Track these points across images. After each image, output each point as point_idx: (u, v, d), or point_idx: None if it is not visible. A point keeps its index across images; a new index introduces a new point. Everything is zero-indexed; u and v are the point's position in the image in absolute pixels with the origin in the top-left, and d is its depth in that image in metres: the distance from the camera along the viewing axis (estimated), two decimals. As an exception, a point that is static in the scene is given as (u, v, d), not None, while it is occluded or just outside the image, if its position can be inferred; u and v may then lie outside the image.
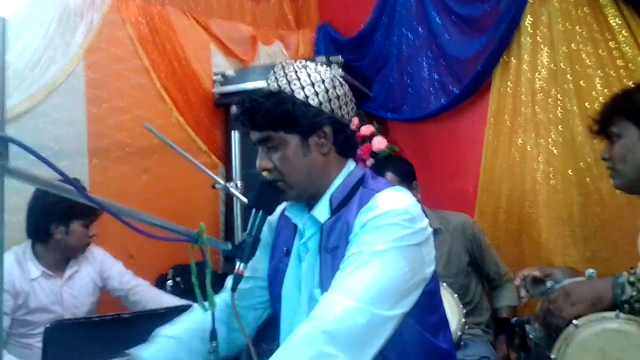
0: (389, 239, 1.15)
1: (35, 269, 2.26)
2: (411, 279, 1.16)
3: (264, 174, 1.29)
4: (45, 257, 2.29)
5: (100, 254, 2.51)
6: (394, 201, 1.20)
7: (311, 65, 1.31)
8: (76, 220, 2.26)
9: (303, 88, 1.26)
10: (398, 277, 1.14)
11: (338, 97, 1.30)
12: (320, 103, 1.27)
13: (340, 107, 1.30)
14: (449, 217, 2.53)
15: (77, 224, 2.27)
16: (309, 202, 1.35)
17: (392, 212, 1.17)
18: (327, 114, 1.28)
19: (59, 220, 2.23)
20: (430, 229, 1.25)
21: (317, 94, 1.26)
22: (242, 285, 1.43)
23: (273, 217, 1.49)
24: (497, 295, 2.58)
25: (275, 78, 1.29)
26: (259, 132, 1.28)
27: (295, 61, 1.33)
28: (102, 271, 2.48)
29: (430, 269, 1.23)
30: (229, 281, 1.48)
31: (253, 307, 1.48)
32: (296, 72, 1.28)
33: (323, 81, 1.28)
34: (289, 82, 1.26)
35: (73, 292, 2.35)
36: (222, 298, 1.45)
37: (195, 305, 1.40)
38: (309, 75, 1.27)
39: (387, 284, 1.12)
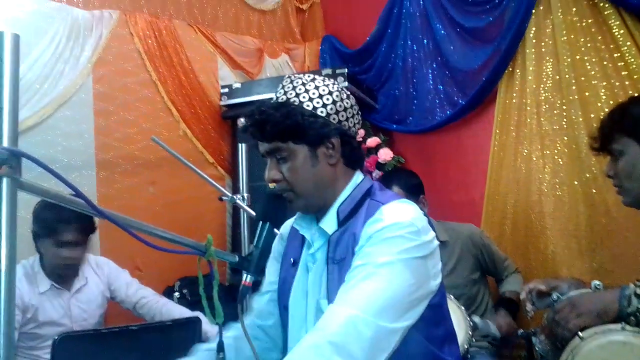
0: (395, 251, 1.15)
1: (44, 282, 2.26)
2: (416, 292, 1.17)
3: (272, 185, 1.30)
4: (50, 272, 2.28)
5: (107, 264, 2.51)
6: (399, 214, 1.21)
7: (319, 77, 1.33)
8: (44, 239, 2.20)
9: (311, 100, 1.28)
10: (403, 290, 1.14)
11: (345, 109, 1.32)
12: (328, 115, 1.28)
13: (347, 119, 1.32)
14: (456, 229, 2.53)
15: (48, 243, 2.19)
16: (317, 213, 1.36)
17: (398, 224, 1.18)
18: (335, 125, 1.29)
19: (37, 236, 2.21)
20: (436, 242, 1.25)
21: (325, 105, 1.28)
22: (265, 307, 1.48)
23: (284, 230, 1.51)
24: (503, 283, 2.60)
25: (284, 90, 1.31)
26: (267, 144, 1.29)
27: (304, 74, 1.35)
28: (109, 282, 2.48)
29: (436, 282, 1.23)
30: (254, 301, 1.54)
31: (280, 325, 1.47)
32: (304, 84, 1.30)
33: (331, 93, 1.30)
34: (297, 94, 1.28)
35: (82, 305, 2.35)
36: (250, 319, 1.49)
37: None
38: (317, 88, 1.29)
39: (391, 296, 1.12)
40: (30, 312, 2.20)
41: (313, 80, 1.31)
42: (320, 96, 1.28)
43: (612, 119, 1.60)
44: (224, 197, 2.43)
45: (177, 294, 2.98)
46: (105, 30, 3.06)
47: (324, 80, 1.32)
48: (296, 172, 1.28)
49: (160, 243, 1.09)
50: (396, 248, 1.16)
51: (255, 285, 1.28)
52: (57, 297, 2.28)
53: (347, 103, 1.32)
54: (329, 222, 1.31)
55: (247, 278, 1.22)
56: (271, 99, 1.33)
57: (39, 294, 2.23)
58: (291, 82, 1.31)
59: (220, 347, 1.24)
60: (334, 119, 1.29)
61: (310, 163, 1.29)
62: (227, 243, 3.57)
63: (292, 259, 1.41)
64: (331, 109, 1.29)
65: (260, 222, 1.27)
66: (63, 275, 2.31)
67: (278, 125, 1.25)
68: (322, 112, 1.28)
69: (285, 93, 1.30)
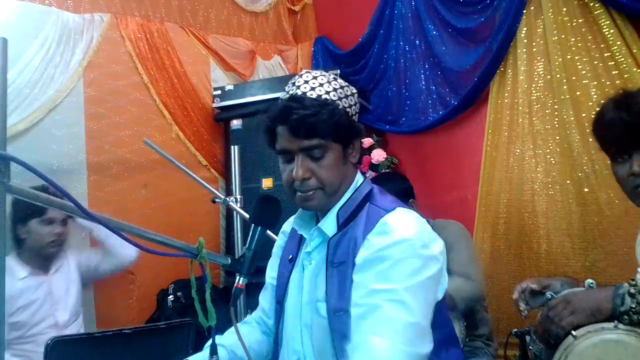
0: (412, 274, 1.16)
1: (22, 270, 2.34)
2: (431, 308, 1.20)
3: (297, 184, 1.28)
4: (28, 258, 2.38)
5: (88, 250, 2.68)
6: (405, 228, 1.21)
7: (338, 78, 1.33)
8: (33, 218, 2.32)
9: (341, 99, 1.28)
10: (425, 312, 1.17)
11: (359, 112, 1.36)
12: (352, 115, 1.31)
13: (358, 121, 1.35)
14: (440, 226, 2.48)
15: (35, 222, 2.32)
16: (319, 212, 1.36)
17: (407, 242, 1.18)
18: (358, 127, 1.33)
19: (19, 221, 2.31)
20: (442, 247, 1.26)
21: (350, 106, 1.30)
22: (270, 303, 1.50)
23: (287, 226, 1.53)
24: None
25: (311, 87, 1.26)
26: (307, 140, 1.25)
27: (321, 71, 1.33)
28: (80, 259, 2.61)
29: (442, 289, 1.26)
30: (261, 296, 1.56)
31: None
32: (330, 82, 1.29)
33: (353, 94, 1.33)
34: (327, 92, 1.26)
35: (62, 283, 2.45)
36: (257, 314, 1.55)
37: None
38: (342, 87, 1.30)
39: (419, 322, 1.15)
40: (12, 300, 2.24)
41: (335, 79, 1.31)
42: (346, 96, 1.30)
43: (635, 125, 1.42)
44: (217, 199, 2.43)
45: (171, 297, 2.97)
46: (96, 34, 3.04)
47: (342, 81, 1.32)
48: (331, 170, 1.28)
49: (152, 246, 1.08)
50: (412, 270, 1.17)
51: (249, 288, 1.28)
52: (36, 281, 2.36)
53: (358, 106, 1.35)
54: (329, 224, 1.31)
55: (240, 280, 1.22)
56: (301, 94, 1.26)
57: (19, 280, 2.31)
58: (314, 78, 1.28)
59: (214, 350, 1.23)
60: (354, 120, 1.32)
61: (342, 162, 1.30)
62: (221, 245, 3.56)
63: (290, 256, 1.43)
64: (354, 110, 1.32)
65: (253, 225, 1.27)
66: (48, 255, 2.42)
67: (326, 122, 1.23)
68: (349, 112, 1.29)
69: (312, 89, 1.26)
